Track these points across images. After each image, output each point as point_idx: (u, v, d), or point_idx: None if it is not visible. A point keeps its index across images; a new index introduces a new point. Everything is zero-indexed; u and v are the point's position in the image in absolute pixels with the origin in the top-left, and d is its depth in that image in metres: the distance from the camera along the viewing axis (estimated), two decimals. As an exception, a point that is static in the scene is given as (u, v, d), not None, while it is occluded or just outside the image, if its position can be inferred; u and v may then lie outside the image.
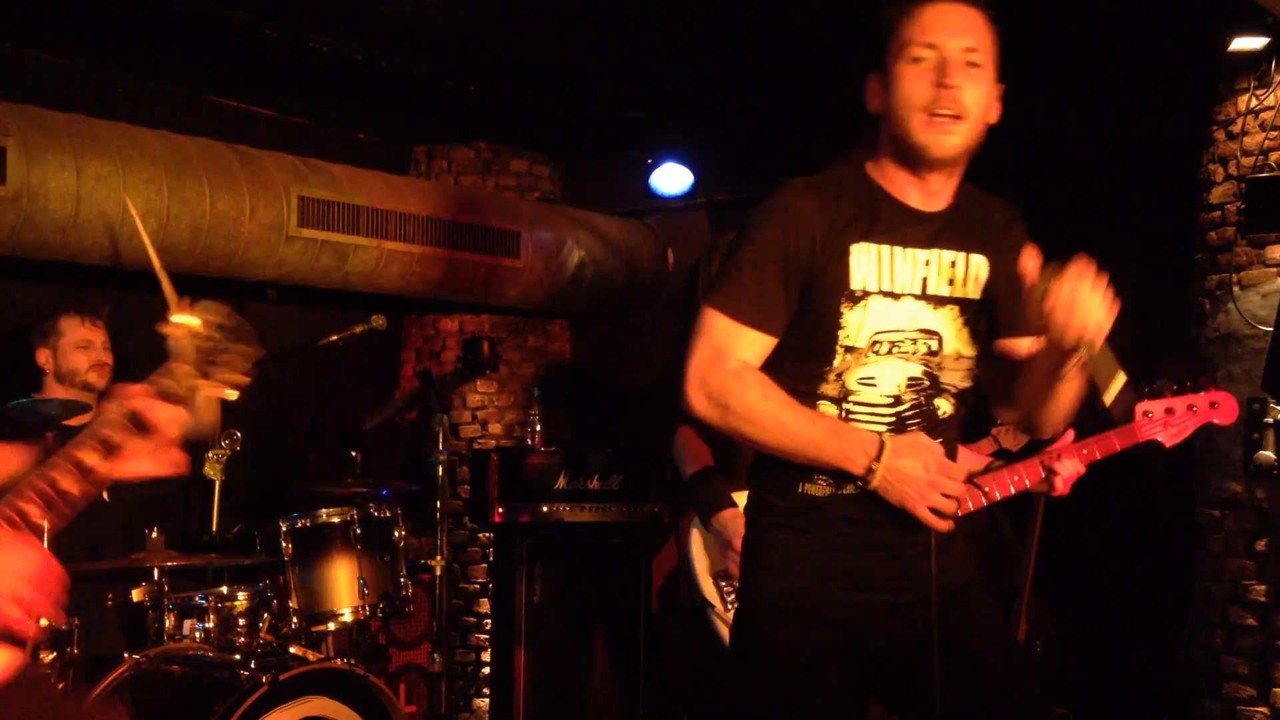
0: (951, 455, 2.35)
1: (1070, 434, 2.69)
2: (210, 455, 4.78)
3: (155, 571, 3.75)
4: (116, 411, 1.94)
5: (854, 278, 2.24)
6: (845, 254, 2.24)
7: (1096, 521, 4.99)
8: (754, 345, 2.25)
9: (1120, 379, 2.16)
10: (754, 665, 2.34)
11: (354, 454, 4.54)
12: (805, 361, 2.27)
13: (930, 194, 2.29)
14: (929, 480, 2.20)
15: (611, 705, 5.18)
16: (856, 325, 2.24)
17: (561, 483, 5.21)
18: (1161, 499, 4.86)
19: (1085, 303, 2.10)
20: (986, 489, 2.55)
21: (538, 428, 5.72)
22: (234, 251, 4.70)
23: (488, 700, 5.74)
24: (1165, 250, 4.82)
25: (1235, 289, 4.41)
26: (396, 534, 4.31)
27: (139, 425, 1.94)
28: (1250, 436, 4.25)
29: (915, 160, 2.25)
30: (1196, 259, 4.60)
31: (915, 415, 2.30)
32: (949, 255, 2.30)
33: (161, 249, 4.49)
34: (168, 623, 3.76)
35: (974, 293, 2.31)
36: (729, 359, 2.23)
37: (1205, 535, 4.50)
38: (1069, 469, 2.68)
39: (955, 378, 2.33)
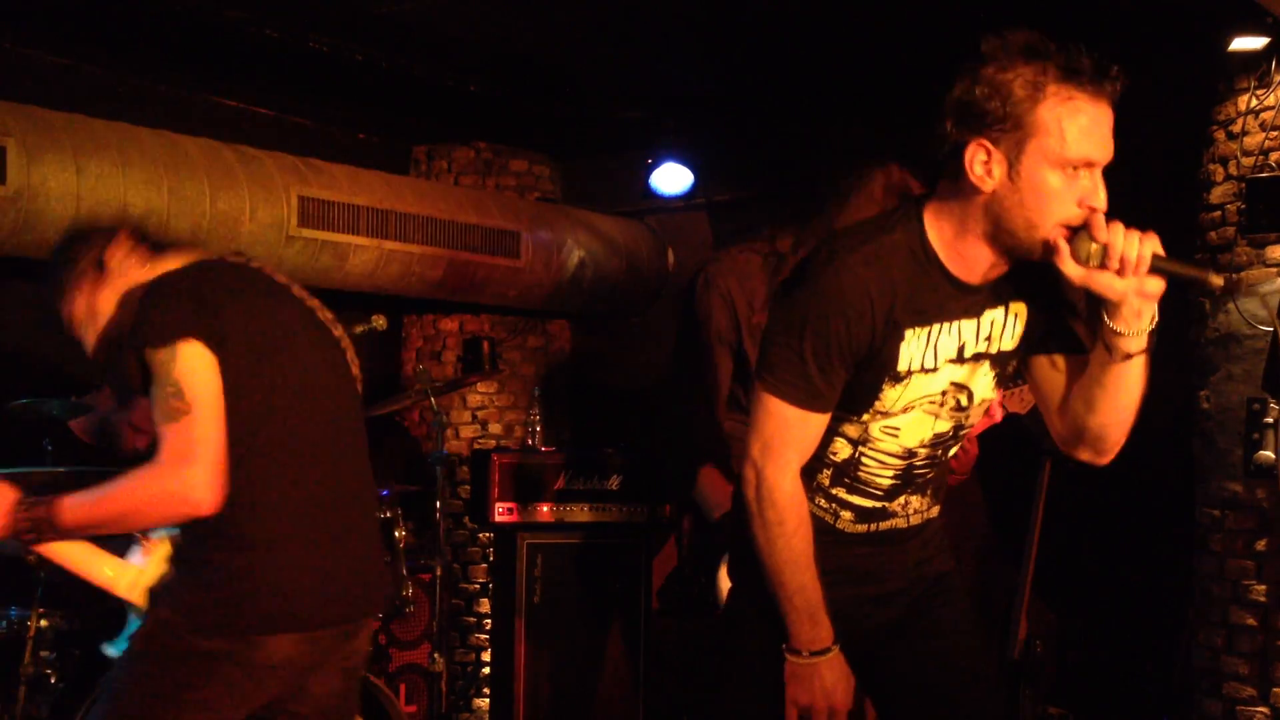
0: (940, 485, 2.45)
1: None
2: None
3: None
4: None
5: (902, 361, 2.22)
6: (898, 339, 2.20)
7: (1096, 521, 4.99)
8: (816, 426, 2.26)
9: (1214, 276, 2.12)
10: (749, 664, 2.42)
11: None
12: (837, 405, 2.28)
13: (992, 265, 2.20)
14: (824, 701, 2.29)
15: (611, 705, 5.19)
16: (894, 399, 2.26)
17: (561, 483, 5.21)
18: (1161, 499, 4.86)
19: (1123, 237, 2.07)
20: None
21: (538, 428, 5.73)
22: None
23: (488, 700, 5.74)
24: (1165, 250, 4.81)
25: (1235, 289, 4.41)
26: (396, 534, 4.31)
27: None
28: (1250, 436, 4.25)
29: (1014, 255, 2.15)
30: (1196, 259, 4.60)
31: (926, 466, 2.37)
32: (990, 315, 2.25)
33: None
34: (168, 623, 3.75)
35: (1010, 345, 2.28)
36: (789, 456, 2.25)
37: (1205, 535, 4.50)
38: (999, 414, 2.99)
39: (974, 419, 2.36)
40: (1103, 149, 2.12)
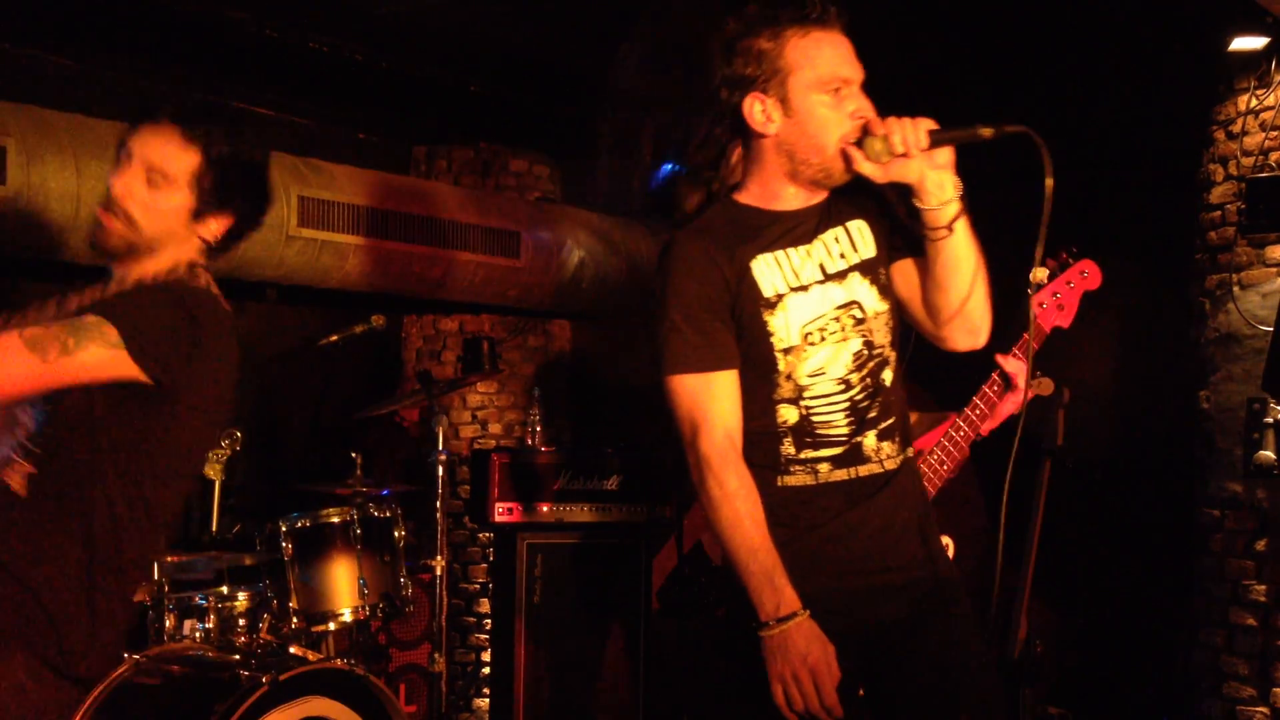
0: (905, 430, 2.50)
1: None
2: (210, 455, 4.77)
3: (155, 571, 3.75)
4: None
5: (764, 287, 2.39)
6: (748, 271, 2.39)
7: (1096, 522, 4.99)
8: (726, 386, 2.38)
9: (982, 129, 2.30)
10: (742, 668, 2.39)
11: (354, 454, 4.54)
12: (757, 377, 2.39)
13: (811, 195, 2.45)
14: (803, 667, 2.27)
15: (611, 705, 5.18)
16: (783, 326, 2.38)
17: (561, 483, 5.21)
18: (1161, 499, 4.86)
19: (899, 125, 2.30)
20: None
21: (538, 428, 5.73)
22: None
23: (488, 700, 5.74)
24: (1165, 250, 4.82)
25: (1235, 289, 4.41)
26: (396, 534, 4.31)
27: None
28: (1250, 436, 4.25)
29: (818, 182, 2.42)
30: (1196, 259, 4.60)
31: (866, 396, 2.42)
32: (831, 234, 2.45)
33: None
34: (168, 623, 3.76)
35: (867, 251, 2.46)
36: (711, 422, 2.36)
37: (1205, 535, 4.50)
38: (1015, 365, 3.17)
39: (882, 336, 2.45)
40: (851, 67, 2.39)
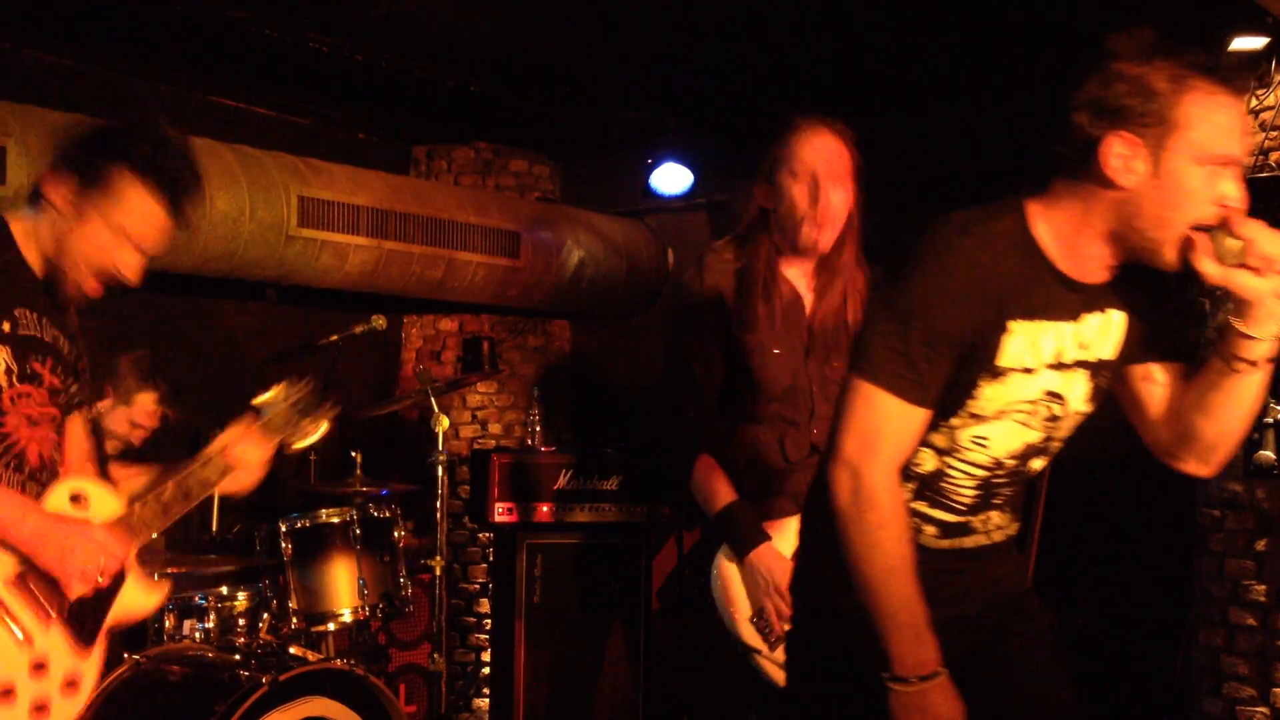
0: (1015, 501, 2.33)
1: None
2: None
3: (155, 572, 3.75)
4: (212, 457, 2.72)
5: (1003, 357, 2.10)
6: (1000, 333, 2.08)
7: (1096, 521, 4.98)
8: (918, 423, 2.11)
9: None
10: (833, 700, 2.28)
11: (354, 454, 4.54)
12: None
13: (1101, 267, 2.12)
14: None
15: (611, 705, 5.18)
16: (989, 399, 2.14)
17: (561, 483, 5.21)
18: (1161, 499, 4.86)
19: (1265, 235, 2.03)
20: None
21: (538, 428, 5.73)
22: (234, 251, 4.70)
23: (488, 700, 5.74)
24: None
25: (1235, 289, 4.40)
26: (396, 534, 4.31)
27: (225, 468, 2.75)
28: (1250, 436, 4.25)
29: (1135, 255, 2.09)
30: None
31: (1007, 481, 2.25)
32: (1089, 320, 2.15)
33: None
34: (168, 623, 3.77)
35: (1109, 353, 2.19)
36: (890, 453, 2.09)
37: (1205, 535, 4.50)
38: None
39: (1066, 432, 2.25)
40: (1242, 147, 2.06)
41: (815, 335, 3.14)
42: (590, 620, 5.20)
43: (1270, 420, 4.23)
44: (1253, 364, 2.06)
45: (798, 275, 3.16)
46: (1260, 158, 4.35)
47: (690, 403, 3.15)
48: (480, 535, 6.10)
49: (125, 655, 3.52)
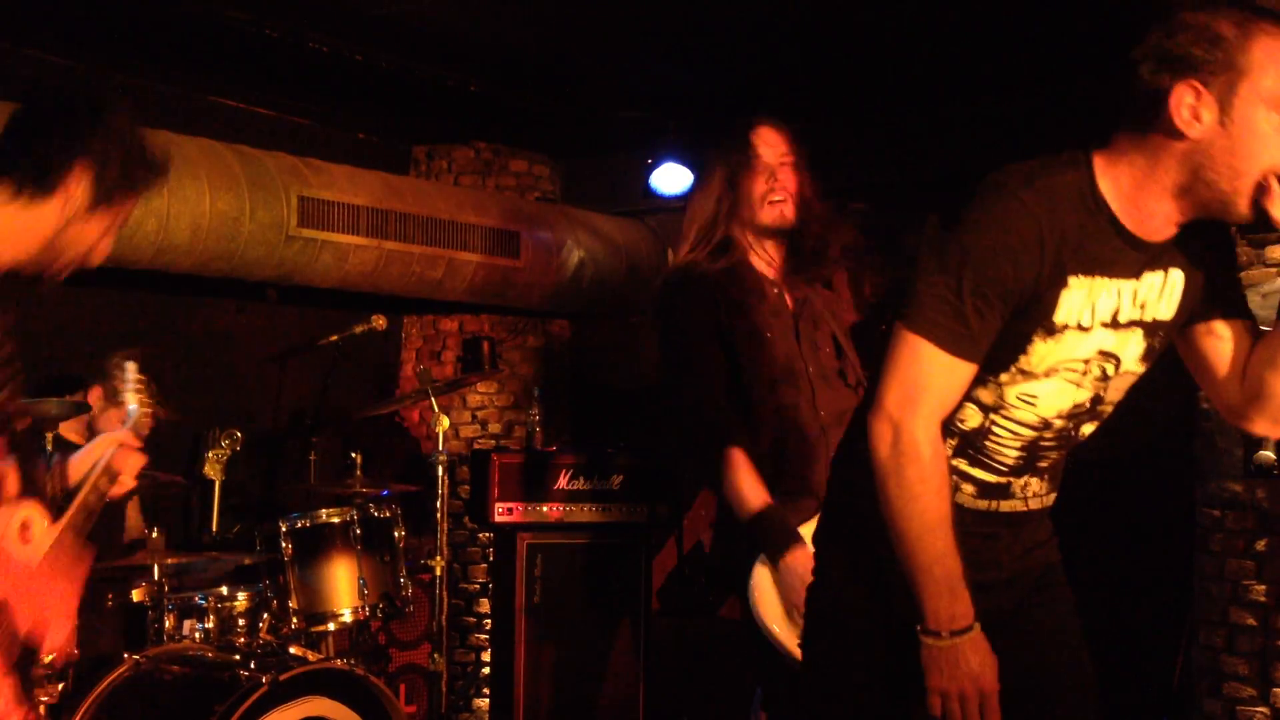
0: (1061, 471, 2.30)
1: None
2: (210, 455, 4.78)
3: (155, 571, 3.75)
4: (101, 466, 2.59)
5: (1060, 312, 2.05)
6: (1059, 287, 2.03)
7: (1096, 521, 4.98)
8: (963, 377, 2.06)
9: None
10: (856, 652, 2.26)
11: (354, 454, 4.55)
12: None
13: (1167, 222, 2.05)
14: (972, 686, 2.07)
15: (612, 705, 5.19)
16: (1041, 355, 2.08)
17: (561, 483, 5.21)
18: (1161, 499, 4.86)
19: None
20: None
21: (538, 428, 5.73)
22: (234, 251, 4.70)
23: (488, 700, 5.74)
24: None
25: (1235, 289, 4.41)
26: (396, 534, 4.31)
27: (113, 476, 2.59)
28: (1250, 436, 4.25)
29: (1205, 209, 2.01)
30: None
31: (1054, 444, 2.20)
32: (1151, 277, 2.10)
33: (161, 249, 4.50)
34: (168, 623, 3.76)
35: (1166, 313, 2.13)
36: (934, 405, 2.05)
37: (1205, 535, 4.50)
38: None
39: (1117, 395, 2.19)
40: None
41: (800, 320, 3.19)
42: (590, 620, 5.20)
43: (1270, 420, 4.22)
44: None
45: (769, 264, 3.23)
46: (1260, 158, 4.34)
47: (708, 400, 3.13)
48: (480, 535, 6.10)
49: (125, 655, 3.52)
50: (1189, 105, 1.94)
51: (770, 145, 3.21)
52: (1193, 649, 4.57)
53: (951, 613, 2.05)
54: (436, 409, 4.47)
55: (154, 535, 3.84)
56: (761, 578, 3.00)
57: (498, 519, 5.17)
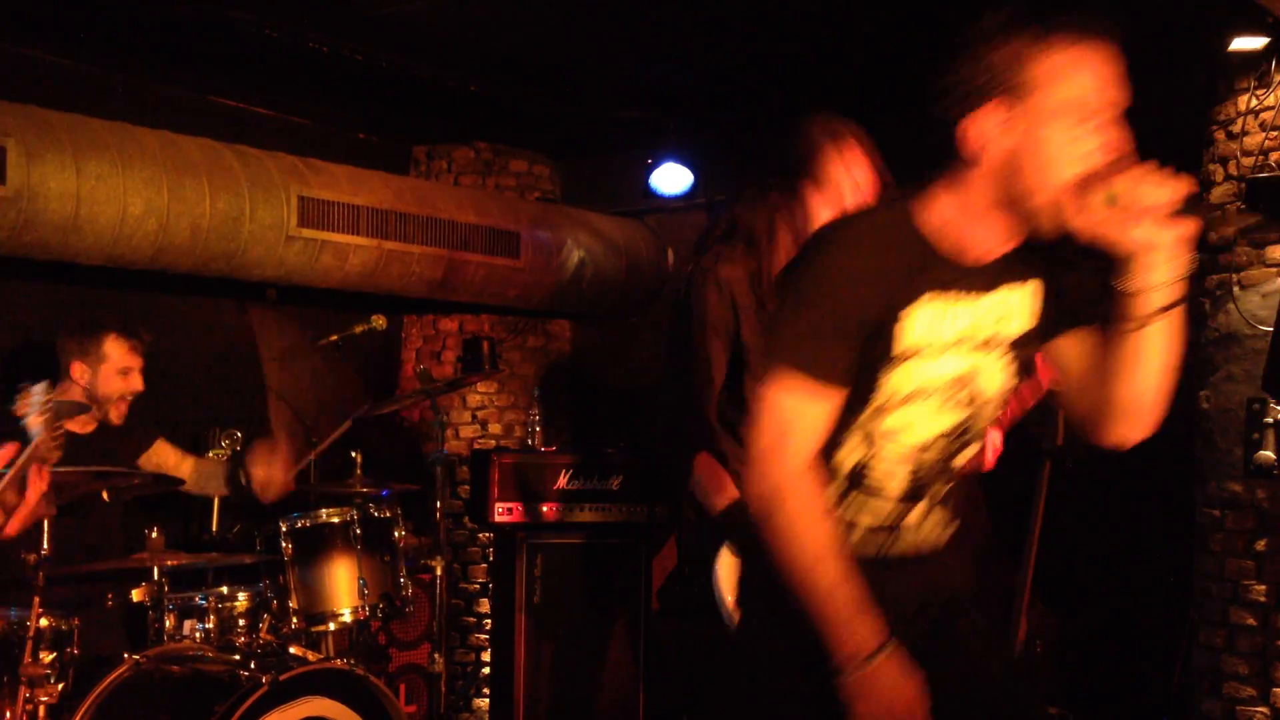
0: (960, 504, 2.29)
1: None
2: (210, 455, 4.78)
3: (155, 571, 3.75)
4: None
5: (900, 339, 2.07)
6: (897, 320, 2.06)
7: (1096, 522, 4.99)
8: (826, 409, 2.07)
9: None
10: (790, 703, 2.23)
11: (354, 454, 4.54)
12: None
13: (998, 242, 2.08)
14: (900, 705, 2.02)
15: (611, 705, 5.19)
16: (903, 379, 2.10)
17: (561, 483, 5.22)
18: (1161, 499, 4.86)
19: (1146, 181, 1.93)
20: None
21: (538, 428, 5.73)
22: (234, 251, 4.70)
23: (488, 700, 5.74)
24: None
25: (1235, 289, 4.41)
26: (396, 534, 4.31)
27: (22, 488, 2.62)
28: (1250, 436, 4.25)
29: (1027, 222, 2.03)
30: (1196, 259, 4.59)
31: (938, 470, 2.19)
32: (998, 295, 2.11)
33: (161, 249, 4.50)
34: (168, 623, 3.76)
35: (1024, 324, 2.14)
36: (806, 440, 2.06)
37: (1205, 535, 4.50)
38: (994, 440, 2.89)
39: (990, 412, 2.20)
40: (1115, 93, 2.01)
41: None
42: (590, 620, 5.20)
43: (1270, 420, 4.23)
44: (1148, 319, 2.00)
45: None
46: (1260, 158, 4.35)
47: (704, 401, 3.16)
48: (480, 535, 6.10)
49: (125, 655, 3.52)
50: (992, 127, 1.98)
51: (846, 169, 3.12)
52: (1193, 649, 4.57)
53: (861, 637, 2.02)
54: (436, 409, 4.47)
55: (154, 535, 3.83)
56: (725, 558, 3.09)
57: (498, 519, 5.17)
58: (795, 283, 2.10)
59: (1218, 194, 4.49)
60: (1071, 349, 2.17)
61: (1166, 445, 4.96)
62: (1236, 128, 4.41)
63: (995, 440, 3.18)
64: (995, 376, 2.16)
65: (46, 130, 4.19)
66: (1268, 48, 4.29)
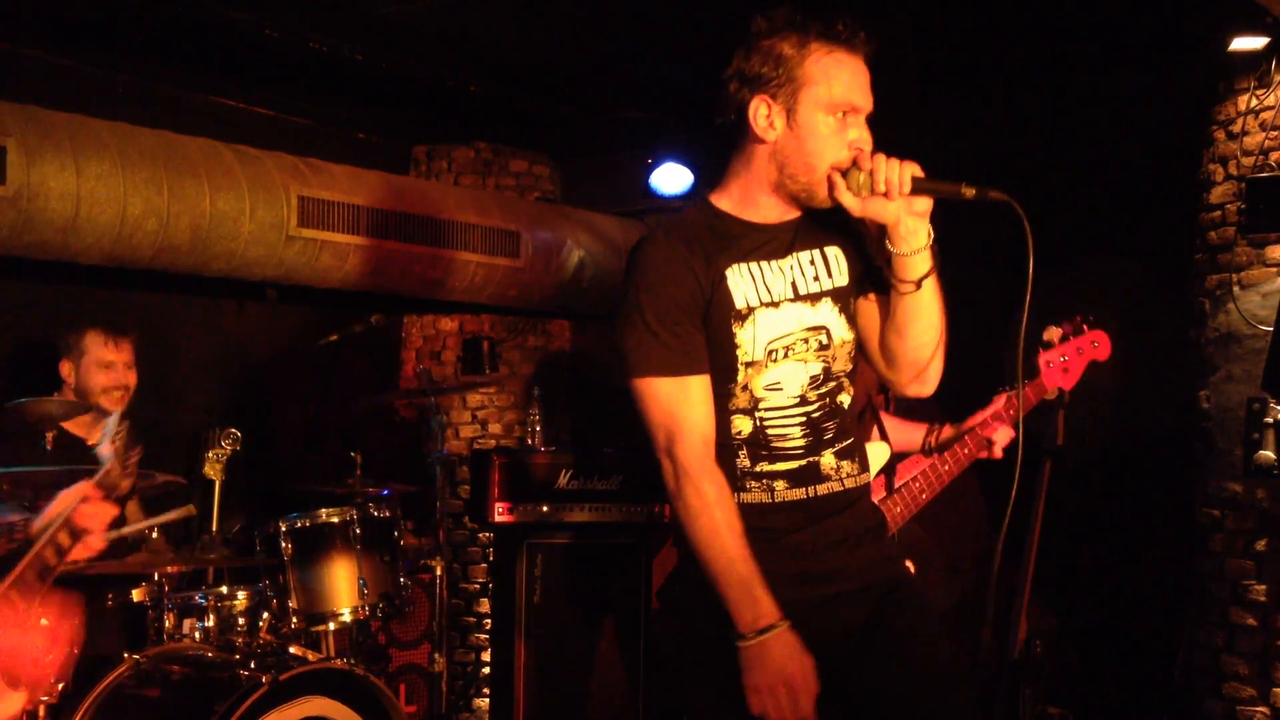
0: (864, 455, 2.53)
1: (1000, 399, 3.30)
2: (210, 455, 4.78)
3: (155, 571, 3.75)
4: (61, 521, 2.46)
5: (736, 298, 2.36)
6: (723, 279, 2.37)
7: (1096, 521, 4.99)
8: (701, 391, 2.35)
9: (965, 187, 2.29)
10: (716, 679, 2.36)
11: (354, 454, 4.54)
12: (714, 386, 2.37)
13: (784, 211, 2.43)
14: (781, 681, 2.23)
15: (611, 705, 5.18)
16: (750, 340, 2.37)
17: (561, 483, 5.21)
18: (1161, 499, 4.86)
19: (885, 164, 2.29)
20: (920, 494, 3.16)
21: (538, 428, 5.73)
22: (234, 251, 4.70)
23: (488, 700, 5.74)
24: (1165, 250, 4.82)
25: (1235, 289, 4.41)
26: (396, 534, 4.31)
27: (75, 532, 2.47)
28: (1250, 436, 4.25)
29: (798, 200, 2.40)
30: (1196, 259, 4.60)
31: (822, 414, 2.43)
32: (807, 255, 2.44)
33: (161, 249, 4.50)
34: (168, 623, 3.76)
35: (841, 280, 2.45)
36: (688, 429, 2.32)
37: (1205, 535, 4.50)
38: (1004, 436, 3.25)
39: (843, 364, 2.46)
40: (863, 97, 2.38)
41: None
42: (590, 620, 5.20)
43: (1270, 420, 4.23)
44: (916, 285, 2.34)
45: None
46: (1260, 158, 4.35)
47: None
48: (480, 535, 6.10)
49: (125, 655, 3.52)
50: (764, 115, 2.36)
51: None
52: (1193, 649, 4.58)
53: (755, 612, 2.25)
54: (436, 409, 4.47)
55: (154, 535, 3.84)
56: None
57: (498, 519, 5.17)
58: (620, 293, 2.40)
59: (1218, 194, 4.50)
60: (869, 310, 2.48)
61: (1166, 445, 4.99)
62: (1236, 128, 4.41)
63: (1004, 435, 3.36)
64: (837, 325, 2.44)
65: (46, 130, 4.19)
66: (1268, 48, 4.29)
